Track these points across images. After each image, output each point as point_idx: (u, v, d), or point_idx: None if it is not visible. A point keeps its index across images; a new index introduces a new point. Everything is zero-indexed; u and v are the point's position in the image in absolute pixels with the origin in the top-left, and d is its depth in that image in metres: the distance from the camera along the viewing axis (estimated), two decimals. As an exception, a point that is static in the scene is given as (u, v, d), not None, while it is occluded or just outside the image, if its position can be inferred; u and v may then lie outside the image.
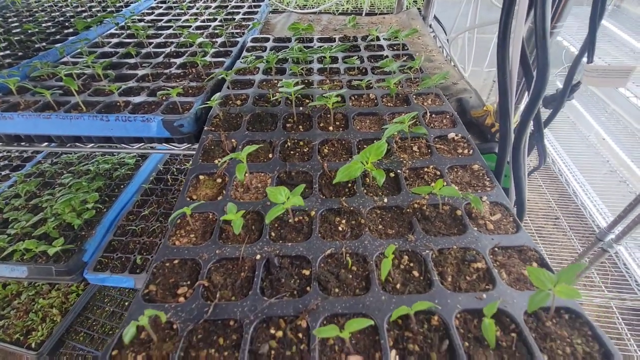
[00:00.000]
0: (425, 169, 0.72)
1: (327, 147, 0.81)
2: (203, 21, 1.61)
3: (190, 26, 1.54)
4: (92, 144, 1.01)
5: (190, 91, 1.03)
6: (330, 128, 0.86)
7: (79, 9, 1.80)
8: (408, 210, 0.63)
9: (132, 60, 1.23)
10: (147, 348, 0.47)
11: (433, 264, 0.54)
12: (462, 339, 0.44)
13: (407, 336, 0.46)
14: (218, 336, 0.47)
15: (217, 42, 1.36)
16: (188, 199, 0.70)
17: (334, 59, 1.20)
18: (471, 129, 0.96)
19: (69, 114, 0.90)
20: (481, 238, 0.57)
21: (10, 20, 1.67)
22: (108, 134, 0.91)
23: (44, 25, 1.57)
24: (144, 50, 1.30)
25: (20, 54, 1.28)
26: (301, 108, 0.92)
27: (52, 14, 1.73)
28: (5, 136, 0.94)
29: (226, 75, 1.00)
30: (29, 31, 1.49)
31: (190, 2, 1.86)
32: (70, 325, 2.33)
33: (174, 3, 1.88)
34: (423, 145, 0.79)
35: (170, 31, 1.49)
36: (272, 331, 0.47)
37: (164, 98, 0.96)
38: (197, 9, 1.76)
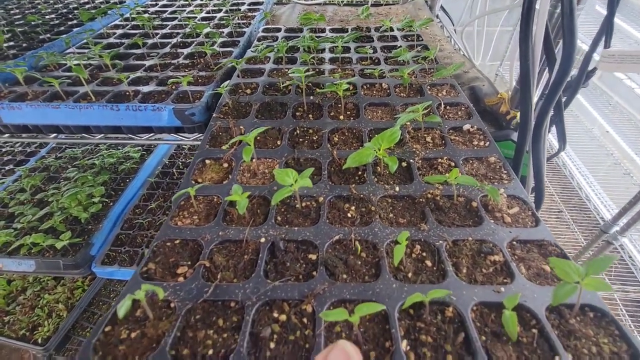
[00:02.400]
0: (439, 160, 0.70)
1: (337, 136, 0.78)
2: (208, 12, 1.59)
3: (196, 17, 1.52)
4: (101, 135, 1.00)
5: (200, 80, 1.02)
6: (341, 117, 0.84)
7: (82, 1, 1.78)
8: (421, 200, 0.61)
9: (138, 51, 1.21)
10: (142, 326, 0.45)
11: (447, 255, 0.51)
12: (479, 333, 0.41)
13: (420, 326, 0.43)
14: (217, 317, 0.45)
15: (223, 32, 1.34)
16: (193, 182, 0.68)
17: (346, 49, 1.18)
18: (485, 117, 0.95)
19: (78, 104, 0.89)
20: (498, 230, 0.54)
21: (12, 12, 1.65)
22: (118, 123, 0.89)
23: (47, 17, 1.55)
24: (150, 41, 1.29)
25: (24, 45, 1.26)
26: (311, 97, 0.91)
27: (55, 6, 1.70)
28: (13, 126, 0.92)
29: (237, 64, 0.98)
30: (33, 23, 1.46)
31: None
32: (77, 320, 2.33)
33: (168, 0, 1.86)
34: (437, 136, 0.77)
35: (175, 22, 1.47)
36: (275, 315, 0.45)
37: (173, 87, 0.95)
38: (202, 0, 1.74)
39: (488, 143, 0.74)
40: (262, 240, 0.54)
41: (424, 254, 0.52)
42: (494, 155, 0.70)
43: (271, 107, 0.89)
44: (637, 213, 1.80)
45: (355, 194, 0.62)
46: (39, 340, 2.09)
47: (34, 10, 1.65)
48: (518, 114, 0.90)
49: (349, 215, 0.59)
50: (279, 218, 0.59)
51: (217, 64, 1.10)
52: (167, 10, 1.63)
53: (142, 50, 1.21)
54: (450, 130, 0.78)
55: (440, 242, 0.53)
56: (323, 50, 1.17)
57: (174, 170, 1.87)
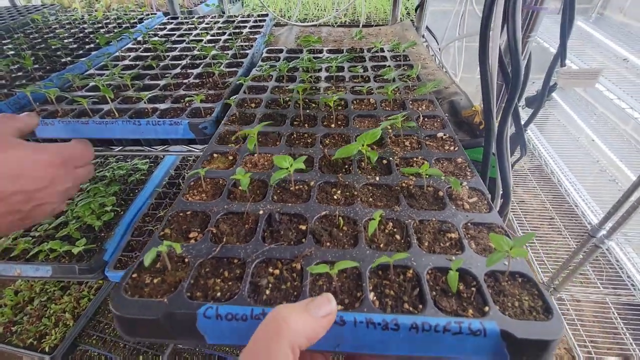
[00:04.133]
0: (415, 159, 0.84)
1: (328, 139, 0.94)
2: (213, 35, 1.75)
3: (202, 40, 1.67)
4: (119, 147, 1.12)
5: (209, 98, 1.15)
6: (332, 125, 0.99)
7: (96, 26, 1.93)
8: (396, 188, 0.74)
9: (152, 72, 1.36)
10: (162, 274, 0.57)
11: (413, 231, 0.63)
12: (431, 290, 0.53)
13: (385, 283, 0.55)
14: (224, 270, 0.57)
15: (228, 54, 1.49)
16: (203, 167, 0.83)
17: (340, 68, 1.34)
18: (462, 127, 1.08)
19: (104, 119, 1.02)
20: (457, 214, 0.66)
21: (32, 36, 1.80)
22: (139, 136, 1.03)
23: (65, 41, 1.70)
24: (162, 63, 1.43)
25: (48, 67, 1.40)
26: (308, 110, 1.06)
27: (72, 31, 1.86)
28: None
29: (244, 81, 1.14)
30: (53, 47, 1.61)
31: (199, 18, 2.00)
32: (83, 329, 2.41)
33: (184, 18, 2.01)
34: (414, 141, 0.91)
35: (184, 45, 1.63)
36: (271, 270, 0.57)
37: (187, 104, 1.09)
38: (207, 23, 1.90)
39: (457, 148, 0.89)
40: (261, 212, 0.67)
41: (395, 229, 0.65)
42: (461, 157, 0.84)
43: (273, 117, 1.04)
44: (621, 217, 1.91)
45: (341, 182, 0.76)
46: (46, 349, 2.17)
47: (52, 35, 1.81)
48: (490, 124, 1.04)
49: (335, 197, 0.73)
50: (275, 197, 0.72)
51: (225, 82, 1.25)
52: (174, 34, 1.79)
53: (155, 71, 1.36)
54: (426, 137, 0.93)
55: (409, 221, 0.65)
56: (320, 70, 1.32)
57: (180, 180, 1.99)
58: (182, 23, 1.94)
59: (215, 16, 2.03)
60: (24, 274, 1.52)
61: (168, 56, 1.50)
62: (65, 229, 1.59)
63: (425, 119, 1.01)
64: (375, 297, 0.52)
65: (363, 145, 0.74)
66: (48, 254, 1.51)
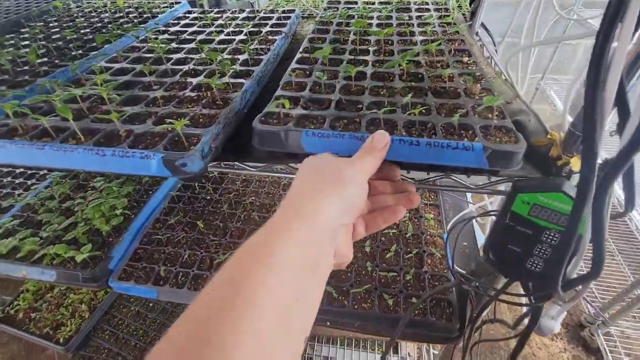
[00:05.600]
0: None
1: (378, 63, 1.19)
2: (228, 34, 1.47)
3: (213, 40, 1.41)
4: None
5: (200, 120, 0.90)
6: (381, 56, 1.19)
7: (117, 15, 1.82)
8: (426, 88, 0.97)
9: (147, 79, 1.12)
10: (278, 119, 0.85)
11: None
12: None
13: (412, 130, 0.82)
14: (313, 120, 0.85)
15: (239, 59, 1.22)
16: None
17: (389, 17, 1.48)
18: (530, 160, 0.85)
19: (63, 145, 0.79)
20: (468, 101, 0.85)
21: (51, 25, 1.71)
22: (103, 169, 0.79)
23: (82, 31, 1.59)
24: (162, 67, 1.19)
25: (57, 61, 1.29)
26: (362, 46, 1.33)
27: (91, 20, 1.75)
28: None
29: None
30: (68, 38, 1.51)
31: (216, 13, 1.80)
32: (97, 322, 2.39)
33: (200, 13, 1.83)
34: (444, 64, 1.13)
35: (193, 45, 1.37)
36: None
37: (169, 130, 0.85)
38: (224, 20, 1.65)
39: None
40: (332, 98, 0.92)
41: (422, 109, 0.86)
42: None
43: (336, 50, 1.28)
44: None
45: (386, 84, 1.01)
46: (61, 340, 2.16)
47: (71, 24, 1.71)
48: (572, 161, 0.79)
49: (381, 93, 0.97)
50: (342, 91, 0.98)
51: (226, 99, 0.99)
52: (187, 31, 1.53)
53: (150, 78, 1.12)
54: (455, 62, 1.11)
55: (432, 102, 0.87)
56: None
57: (196, 184, 1.87)
58: (197, 18, 1.74)
59: (235, 10, 1.84)
60: (29, 276, 1.46)
61: (170, 59, 1.25)
62: (73, 231, 1.51)
63: (456, 52, 1.22)
64: (405, 132, 0.79)
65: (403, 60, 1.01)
66: (53, 257, 1.44)
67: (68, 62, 1.25)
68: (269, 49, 1.33)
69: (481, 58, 1.34)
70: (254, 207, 1.69)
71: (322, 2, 2.55)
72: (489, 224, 1.59)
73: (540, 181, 0.79)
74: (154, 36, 1.46)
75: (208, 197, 1.77)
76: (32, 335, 2.21)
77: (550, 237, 0.79)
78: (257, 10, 1.79)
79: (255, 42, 1.40)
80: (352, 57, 1.22)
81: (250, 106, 1.07)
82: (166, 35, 1.49)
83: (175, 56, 1.28)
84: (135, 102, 1.00)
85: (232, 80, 1.09)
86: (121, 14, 1.80)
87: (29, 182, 1.92)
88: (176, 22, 1.69)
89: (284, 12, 1.75)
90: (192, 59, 1.29)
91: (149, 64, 1.23)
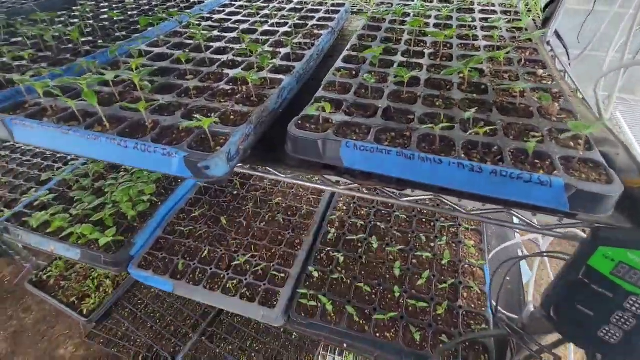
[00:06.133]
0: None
1: (434, 69, 1.08)
2: (272, 25, 1.40)
3: (256, 30, 1.34)
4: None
5: (231, 117, 0.82)
6: (438, 60, 0.93)
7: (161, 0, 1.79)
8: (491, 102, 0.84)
9: (183, 67, 1.06)
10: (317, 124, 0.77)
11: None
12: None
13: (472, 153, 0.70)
14: (355, 129, 0.76)
15: (280, 53, 1.14)
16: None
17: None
18: (620, 205, 0.68)
19: (87, 132, 0.74)
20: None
21: (101, 4, 1.72)
22: (124, 162, 0.74)
23: (129, 13, 1.58)
24: (200, 56, 1.13)
25: (99, 42, 1.27)
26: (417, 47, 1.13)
27: (140, 2, 1.74)
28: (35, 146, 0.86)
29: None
30: (114, 18, 1.50)
31: (263, 2, 1.73)
32: (119, 299, 2.45)
33: (247, 2, 1.76)
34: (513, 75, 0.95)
35: (234, 34, 1.30)
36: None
37: (196, 126, 0.74)
38: (270, 10, 1.58)
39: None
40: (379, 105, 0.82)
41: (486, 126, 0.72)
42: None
43: (386, 50, 1.16)
44: None
45: (442, 94, 0.89)
46: (84, 311, 2.22)
47: (120, 4, 1.71)
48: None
49: (437, 104, 0.86)
50: (391, 96, 0.88)
51: (262, 95, 0.90)
52: (230, 19, 1.48)
53: (186, 66, 1.06)
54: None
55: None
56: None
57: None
58: (243, 7, 1.68)
59: (283, 1, 1.75)
60: (57, 251, 1.48)
61: (210, 48, 1.19)
62: (101, 212, 1.52)
63: (527, 62, 1.07)
64: (464, 155, 0.67)
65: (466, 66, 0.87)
66: (80, 236, 1.45)
67: (110, 43, 1.23)
68: (313, 44, 1.23)
69: (555, 72, 1.15)
70: (279, 209, 1.61)
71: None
72: (537, 262, 1.41)
73: (632, 234, 0.63)
74: (197, 22, 1.41)
75: (235, 192, 1.72)
76: (59, 302, 2.29)
77: (637, 305, 0.63)
78: (306, 2, 1.70)
79: (300, 35, 1.31)
80: (405, 59, 1.09)
81: (287, 105, 0.98)
82: (209, 23, 1.43)
83: (215, 44, 1.22)
84: (167, 91, 0.94)
85: (271, 76, 1.00)
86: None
87: (69, 157, 1.97)
88: (222, 9, 1.63)
89: (332, 5, 1.64)
90: (232, 49, 1.22)
91: (187, 51, 1.17)
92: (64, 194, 1.68)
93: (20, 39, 1.27)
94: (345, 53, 1.14)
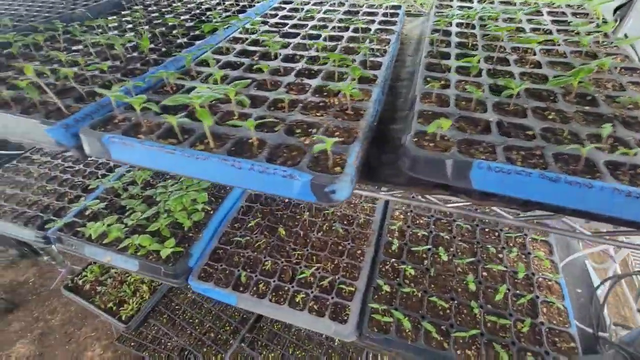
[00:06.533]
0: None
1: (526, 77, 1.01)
2: (333, 29, 1.35)
3: (320, 36, 1.28)
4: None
5: (335, 133, 0.78)
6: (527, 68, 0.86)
7: (215, 1, 1.74)
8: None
9: (259, 76, 1.01)
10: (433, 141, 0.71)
11: None
12: None
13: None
14: (477, 146, 0.71)
15: (355, 60, 1.08)
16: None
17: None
18: None
19: (196, 152, 0.70)
20: None
21: (150, 9, 1.68)
22: (237, 183, 0.69)
23: (181, 17, 1.53)
24: (271, 64, 1.08)
25: (163, 49, 1.23)
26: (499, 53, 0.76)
27: (188, 6, 1.69)
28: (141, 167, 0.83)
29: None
30: (169, 24, 1.45)
31: (314, 5, 1.67)
32: (156, 304, 2.43)
33: (298, 4, 1.70)
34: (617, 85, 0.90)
35: (297, 40, 1.25)
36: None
37: (306, 141, 0.73)
38: (325, 13, 1.52)
39: None
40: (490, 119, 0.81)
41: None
42: None
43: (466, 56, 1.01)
44: None
45: (551, 107, 0.84)
46: (123, 317, 2.21)
47: (169, 9, 1.66)
48: None
49: (550, 117, 0.82)
50: (497, 108, 0.84)
51: (358, 108, 0.86)
52: (287, 23, 1.42)
53: (263, 75, 1.01)
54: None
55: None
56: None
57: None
58: (296, 10, 1.63)
59: (334, 4, 1.70)
60: (113, 262, 1.45)
61: (279, 55, 1.14)
62: (156, 222, 1.48)
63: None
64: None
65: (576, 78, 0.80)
66: (137, 247, 1.42)
67: (174, 51, 1.19)
68: (385, 51, 1.18)
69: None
70: (335, 218, 1.57)
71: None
72: (611, 271, 1.36)
73: None
74: (255, 27, 1.36)
75: (286, 200, 1.68)
76: (97, 308, 2.27)
77: None
78: (358, 5, 1.64)
79: (367, 40, 1.26)
80: (491, 66, 1.04)
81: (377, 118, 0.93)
82: (267, 27, 1.38)
83: (282, 52, 1.17)
84: (255, 103, 0.90)
85: (358, 86, 0.95)
86: (218, 1, 1.72)
87: (112, 163, 1.94)
88: (274, 12, 1.58)
89: (387, 8, 1.58)
90: (301, 56, 1.17)
91: (256, 59, 1.13)
92: (114, 202, 1.65)
93: (80, 46, 1.23)
94: (425, 60, 1.09)
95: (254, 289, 1.32)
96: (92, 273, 2.53)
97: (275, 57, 1.17)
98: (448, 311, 1.21)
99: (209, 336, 2.23)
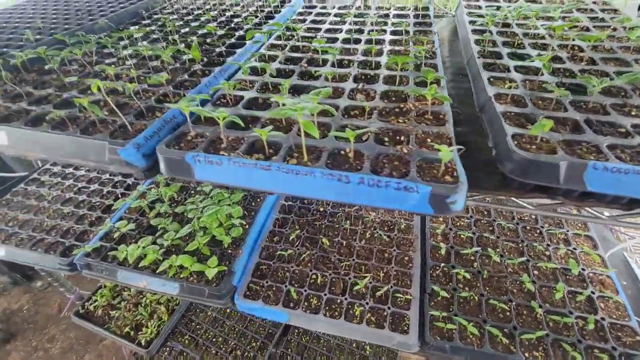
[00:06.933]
0: None
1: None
2: (370, 32, 1.32)
3: (359, 40, 1.27)
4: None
5: (428, 139, 0.75)
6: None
7: (236, 9, 1.67)
8: None
9: (316, 83, 0.98)
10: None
11: None
12: None
13: None
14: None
15: (408, 63, 1.07)
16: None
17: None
18: None
19: (294, 167, 0.65)
20: None
21: (185, 18, 1.57)
22: (343, 199, 0.65)
23: (207, 25, 1.47)
24: (322, 70, 1.05)
25: (204, 59, 1.17)
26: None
27: (211, 13, 1.62)
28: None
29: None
30: (200, 32, 1.38)
31: (339, 9, 1.64)
32: (175, 325, 2.32)
33: (322, 8, 1.68)
34: None
35: (338, 44, 1.23)
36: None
37: (404, 150, 0.70)
38: (356, 16, 1.49)
39: None
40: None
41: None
42: None
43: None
44: None
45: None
46: (142, 342, 2.09)
47: (191, 17, 1.58)
48: None
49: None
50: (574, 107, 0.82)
51: (436, 113, 0.83)
52: (319, 28, 1.39)
53: (322, 82, 0.98)
54: None
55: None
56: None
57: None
58: (322, 14, 1.60)
59: (360, 7, 1.68)
60: (149, 286, 1.36)
61: (326, 60, 1.12)
62: (194, 241, 1.40)
63: None
64: None
65: None
66: (177, 270, 1.34)
67: (216, 59, 1.14)
68: (434, 53, 1.17)
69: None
70: (374, 224, 1.54)
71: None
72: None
73: None
74: (288, 33, 1.32)
75: (321, 209, 1.63)
76: (113, 334, 2.15)
77: None
78: (385, 7, 1.63)
79: (410, 43, 1.24)
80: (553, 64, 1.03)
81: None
82: (302, 33, 1.34)
83: (325, 57, 1.14)
84: (324, 113, 0.85)
85: (422, 89, 0.93)
86: (240, 6, 1.67)
87: (129, 181, 1.84)
88: (301, 18, 1.55)
89: (416, 9, 1.58)
90: (349, 61, 1.15)
91: (305, 65, 1.09)
92: (141, 222, 1.56)
93: (114, 59, 1.16)
94: (480, 61, 1.08)
95: (305, 304, 1.27)
96: (103, 297, 2.40)
97: (324, 63, 1.13)
98: (508, 313, 1.20)
99: (235, 355, 2.14)
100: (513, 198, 1.07)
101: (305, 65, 1.11)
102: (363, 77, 1.05)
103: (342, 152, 0.72)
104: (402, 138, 0.77)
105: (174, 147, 0.74)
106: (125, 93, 0.87)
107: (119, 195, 1.74)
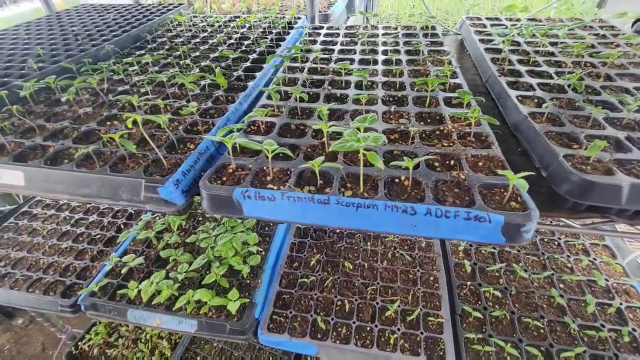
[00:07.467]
0: None
1: None
2: (385, 52, 1.33)
3: (376, 60, 1.26)
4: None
5: (480, 163, 0.73)
6: None
7: (242, 30, 1.64)
8: None
9: (346, 107, 0.96)
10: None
11: None
12: None
13: None
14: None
15: (433, 85, 1.02)
16: None
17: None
18: None
19: (354, 200, 0.62)
20: None
21: (175, 41, 1.55)
22: (411, 232, 0.62)
23: (219, 48, 1.43)
24: (348, 92, 1.03)
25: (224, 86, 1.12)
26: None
27: (218, 36, 1.57)
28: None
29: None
30: (212, 56, 1.34)
31: (347, 29, 1.65)
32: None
33: (328, 28, 1.68)
34: None
35: (356, 65, 1.22)
36: None
37: (460, 176, 0.67)
38: (370, 36, 1.49)
39: None
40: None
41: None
42: None
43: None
44: None
45: None
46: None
47: (199, 39, 1.53)
48: None
49: None
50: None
51: (478, 134, 0.83)
52: (332, 49, 1.38)
53: (350, 106, 0.96)
54: None
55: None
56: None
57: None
58: (331, 34, 1.60)
59: (367, 27, 1.69)
60: (164, 325, 1.27)
61: (348, 83, 1.10)
62: (208, 272, 1.33)
63: None
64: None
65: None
66: (194, 305, 1.25)
67: (236, 84, 1.10)
68: (455, 72, 1.17)
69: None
70: (394, 244, 1.51)
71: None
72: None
73: None
74: (310, 56, 1.31)
75: (337, 230, 1.59)
76: (114, 377, 2.00)
77: None
78: (392, 27, 1.65)
79: (428, 63, 1.25)
80: (568, 82, 1.05)
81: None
82: (316, 55, 1.33)
83: (349, 78, 1.12)
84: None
85: (459, 110, 0.93)
86: (246, 27, 1.65)
87: (131, 209, 1.75)
88: (311, 39, 1.54)
89: (425, 28, 1.60)
90: (372, 82, 1.13)
91: (330, 88, 1.07)
92: (148, 255, 1.47)
93: (126, 86, 1.10)
94: (503, 79, 1.09)
95: (333, 334, 1.21)
96: (97, 335, 2.24)
97: (346, 85, 1.12)
98: (542, 330, 1.18)
99: (250, 389, 2.02)
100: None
101: (329, 88, 1.09)
102: (391, 98, 1.04)
103: (397, 181, 0.69)
104: (453, 162, 0.75)
105: (215, 182, 0.69)
106: (154, 124, 0.82)
107: (121, 226, 1.64)
